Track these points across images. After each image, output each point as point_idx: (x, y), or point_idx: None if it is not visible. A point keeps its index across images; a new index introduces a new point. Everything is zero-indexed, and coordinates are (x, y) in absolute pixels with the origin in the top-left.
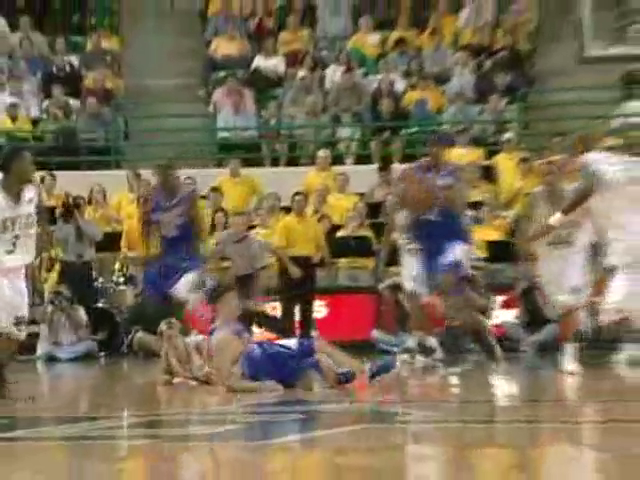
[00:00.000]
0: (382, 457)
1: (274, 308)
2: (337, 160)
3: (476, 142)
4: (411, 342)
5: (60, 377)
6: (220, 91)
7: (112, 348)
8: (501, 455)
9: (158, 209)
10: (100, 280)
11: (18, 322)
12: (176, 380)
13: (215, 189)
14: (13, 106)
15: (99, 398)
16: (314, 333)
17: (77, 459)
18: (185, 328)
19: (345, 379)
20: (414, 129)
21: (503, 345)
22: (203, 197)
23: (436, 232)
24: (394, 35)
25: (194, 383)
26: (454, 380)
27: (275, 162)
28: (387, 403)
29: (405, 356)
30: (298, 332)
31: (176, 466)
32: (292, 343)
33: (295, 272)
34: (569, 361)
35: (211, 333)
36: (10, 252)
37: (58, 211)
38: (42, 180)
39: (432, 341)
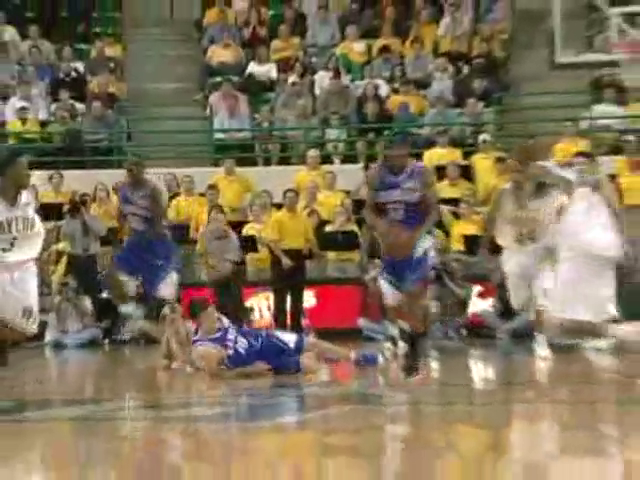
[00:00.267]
0: (367, 437)
1: (267, 298)
2: (326, 160)
3: (455, 143)
4: (393, 330)
5: (67, 362)
6: (216, 95)
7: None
8: (477, 434)
9: (125, 202)
10: (104, 272)
11: (25, 313)
12: (174, 365)
13: (212, 187)
14: (23, 109)
15: (103, 382)
16: (304, 321)
17: (82, 439)
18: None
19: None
20: (397, 130)
21: (480, 332)
22: (201, 195)
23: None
24: (378, 43)
25: (190, 369)
26: (434, 365)
27: (268, 161)
28: (372, 386)
29: (388, 343)
30: (289, 320)
31: (174, 445)
32: (290, 339)
33: (287, 262)
34: (541, 347)
35: (194, 342)
36: (7, 250)
37: (65, 207)
38: (50, 178)
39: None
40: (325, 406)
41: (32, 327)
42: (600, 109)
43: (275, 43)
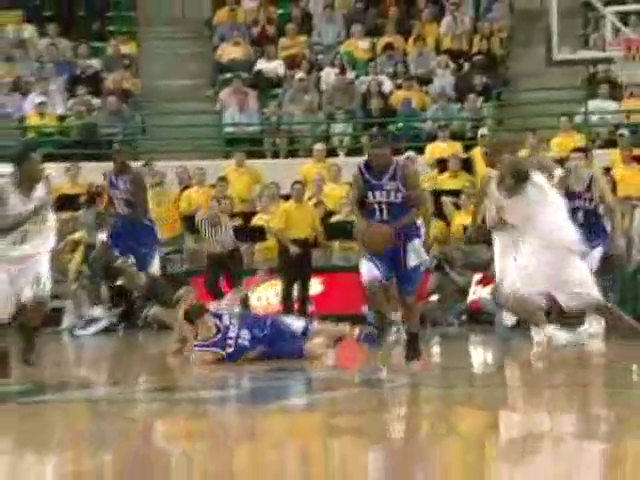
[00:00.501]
0: (371, 419)
1: (275, 285)
2: (331, 153)
3: (455, 137)
4: (396, 316)
5: (83, 347)
6: (226, 91)
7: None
8: (477, 415)
9: (111, 186)
10: (119, 260)
11: (35, 281)
12: (186, 350)
13: (222, 178)
14: (41, 104)
15: (117, 366)
16: (310, 308)
17: (98, 419)
18: None
19: None
20: (400, 125)
21: (479, 319)
22: (212, 186)
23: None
24: (382, 41)
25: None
26: (436, 349)
27: (276, 154)
28: (375, 371)
29: (393, 328)
30: (296, 306)
31: (183, 427)
32: (296, 324)
33: (294, 250)
34: (537, 333)
35: (194, 347)
36: (17, 244)
37: (82, 198)
38: (68, 170)
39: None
40: (330, 389)
41: (43, 294)
42: (595, 104)
43: (283, 41)
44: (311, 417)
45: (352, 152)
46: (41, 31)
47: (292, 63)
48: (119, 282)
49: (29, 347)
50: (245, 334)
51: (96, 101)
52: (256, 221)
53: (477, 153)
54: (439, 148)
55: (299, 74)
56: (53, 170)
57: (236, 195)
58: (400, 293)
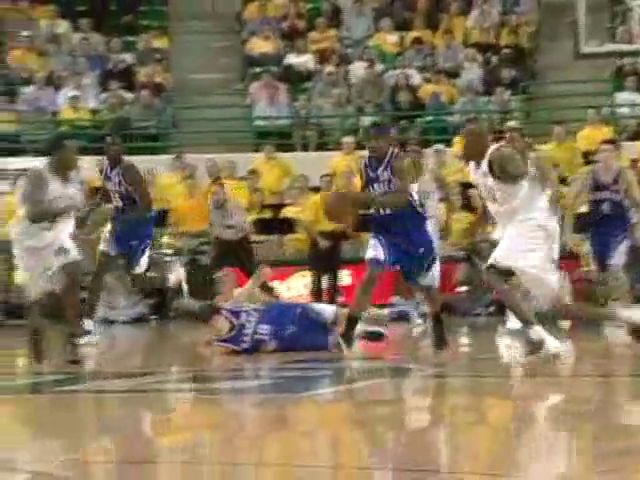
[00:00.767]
0: (397, 408)
1: (304, 276)
2: (360, 146)
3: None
4: (424, 307)
5: (116, 337)
6: (256, 85)
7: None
8: (504, 405)
9: (105, 179)
10: (151, 251)
11: (60, 252)
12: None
13: (253, 171)
14: (75, 98)
15: (150, 356)
16: (339, 299)
17: (131, 409)
18: None
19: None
20: (429, 118)
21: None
22: (242, 178)
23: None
24: (411, 35)
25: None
26: (463, 339)
27: (305, 147)
28: (404, 361)
29: (419, 320)
30: (326, 298)
31: (216, 415)
32: (329, 312)
33: (324, 243)
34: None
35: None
36: (47, 229)
37: None
38: (100, 163)
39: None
40: (359, 379)
41: (72, 260)
42: (622, 97)
43: (312, 35)
44: (340, 407)
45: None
46: (74, 26)
47: (322, 57)
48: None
49: (74, 331)
50: (264, 329)
51: (128, 95)
52: (286, 213)
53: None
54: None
55: (328, 68)
56: (86, 163)
57: (266, 187)
58: (409, 280)
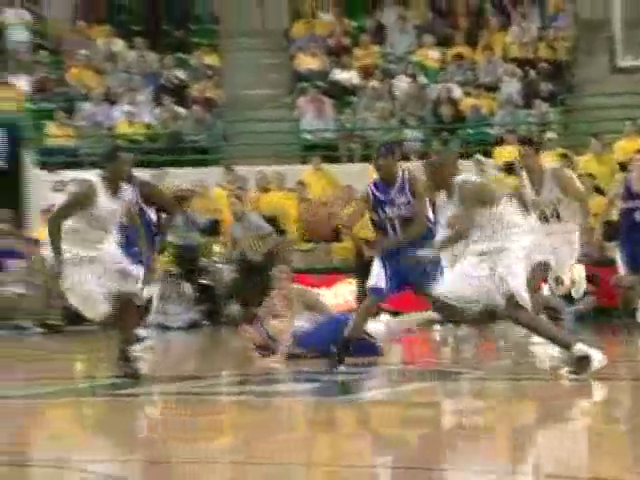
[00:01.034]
0: (441, 409)
1: (350, 283)
2: (403, 157)
3: (521, 141)
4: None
5: (170, 343)
6: (303, 99)
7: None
8: (545, 407)
9: None
10: (203, 260)
11: (124, 276)
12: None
13: (301, 182)
14: (130, 114)
15: (202, 360)
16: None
17: (184, 411)
18: None
19: None
20: (469, 130)
21: (547, 314)
22: (290, 190)
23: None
24: (452, 50)
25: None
26: (501, 344)
27: (350, 159)
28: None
29: (450, 325)
30: None
31: (268, 418)
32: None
33: (368, 252)
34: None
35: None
36: (100, 242)
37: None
38: (155, 175)
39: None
40: (405, 382)
41: (135, 289)
42: None
43: (357, 51)
44: (386, 409)
45: (423, 156)
46: (129, 44)
47: (366, 72)
48: (203, 281)
49: (127, 340)
50: (299, 349)
51: (181, 110)
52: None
53: (544, 157)
54: (506, 152)
55: (373, 82)
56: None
57: (314, 198)
58: (424, 293)
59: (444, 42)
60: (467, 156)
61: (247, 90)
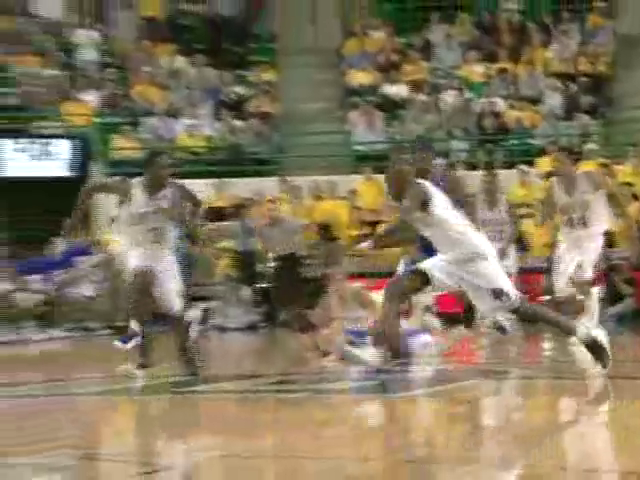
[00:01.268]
0: (487, 406)
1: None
2: (450, 167)
3: (564, 152)
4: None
5: (229, 343)
6: (355, 113)
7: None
8: (588, 405)
9: None
10: (260, 265)
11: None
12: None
13: (352, 191)
14: (191, 127)
15: (260, 360)
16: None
17: (243, 409)
18: None
19: None
20: (513, 141)
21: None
22: (342, 198)
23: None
24: (496, 66)
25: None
26: (546, 344)
27: None
28: (495, 362)
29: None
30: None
31: (322, 415)
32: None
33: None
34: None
35: None
36: (154, 242)
37: (228, 210)
38: (215, 186)
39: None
40: (450, 380)
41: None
42: None
43: (406, 67)
44: (434, 406)
45: (469, 166)
46: (191, 62)
47: (415, 86)
48: (260, 285)
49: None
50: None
51: (240, 123)
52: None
53: (585, 166)
54: (549, 162)
55: (421, 96)
56: (202, 186)
57: (365, 206)
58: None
59: (488, 58)
60: (511, 166)
61: (302, 104)
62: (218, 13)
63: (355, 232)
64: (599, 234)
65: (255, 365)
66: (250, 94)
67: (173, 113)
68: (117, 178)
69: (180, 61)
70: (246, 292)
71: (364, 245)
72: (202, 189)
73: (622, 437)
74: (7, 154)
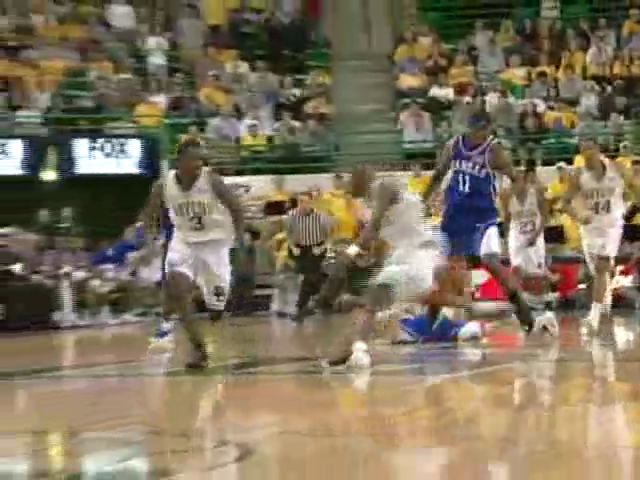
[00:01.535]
0: (523, 387)
1: None
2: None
3: (600, 150)
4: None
5: (288, 328)
6: (405, 114)
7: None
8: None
9: None
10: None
11: (217, 293)
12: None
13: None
14: (253, 127)
15: (315, 344)
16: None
17: (298, 388)
18: None
19: None
20: (552, 140)
21: (619, 304)
22: None
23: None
24: (537, 69)
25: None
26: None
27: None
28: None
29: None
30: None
31: (369, 393)
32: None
33: None
34: (595, 318)
35: None
36: (196, 229)
37: (286, 204)
38: (275, 181)
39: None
40: (491, 364)
41: (220, 305)
42: None
43: (452, 71)
44: (477, 387)
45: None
46: (253, 67)
47: (460, 89)
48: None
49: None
50: (402, 336)
51: (297, 124)
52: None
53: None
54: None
55: (466, 98)
56: (262, 181)
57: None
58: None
59: (529, 62)
60: (551, 163)
61: (355, 106)
62: (277, 21)
63: None
64: (619, 219)
65: (308, 348)
66: (307, 96)
67: (236, 114)
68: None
69: (242, 66)
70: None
71: (351, 252)
72: (262, 184)
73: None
74: (84, 152)
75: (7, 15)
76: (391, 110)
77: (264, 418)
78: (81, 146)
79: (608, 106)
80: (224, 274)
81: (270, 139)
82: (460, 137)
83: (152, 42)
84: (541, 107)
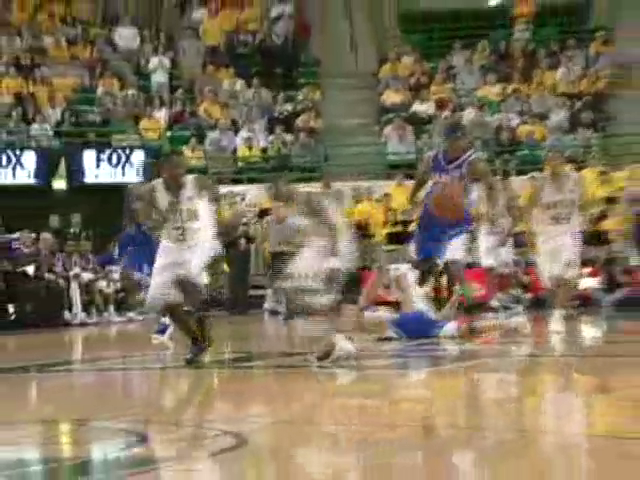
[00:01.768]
0: (500, 379)
1: None
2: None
3: (569, 161)
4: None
5: (280, 325)
6: (389, 127)
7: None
8: (589, 380)
9: None
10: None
11: (184, 288)
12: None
13: (386, 195)
14: (248, 140)
15: (303, 340)
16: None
17: (286, 382)
18: None
19: None
20: (525, 152)
21: (587, 304)
22: (377, 200)
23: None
24: (510, 86)
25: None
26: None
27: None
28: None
29: (520, 308)
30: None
31: (361, 387)
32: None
33: None
34: (556, 322)
35: None
36: (179, 240)
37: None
38: (269, 189)
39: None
40: (470, 359)
41: (198, 279)
42: None
43: (433, 88)
44: (455, 380)
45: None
46: (248, 84)
47: (440, 105)
48: None
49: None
50: (390, 333)
51: (289, 137)
52: (412, 228)
53: (586, 173)
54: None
55: (445, 113)
56: (256, 190)
57: (397, 208)
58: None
59: (504, 80)
60: (524, 173)
61: (342, 120)
62: (271, 42)
63: (388, 230)
64: (578, 231)
65: (299, 344)
66: (298, 111)
67: (233, 128)
68: (142, 186)
69: (239, 83)
70: None
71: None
72: (257, 193)
73: (627, 407)
74: (92, 163)
75: (22, 37)
76: (376, 124)
77: (257, 409)
78: (89, 157)
79: (576, 120)
80: (195, 270)
81: (264, 151)
82: (440, 151)
83: (155, 61)
84: (515, 121)
